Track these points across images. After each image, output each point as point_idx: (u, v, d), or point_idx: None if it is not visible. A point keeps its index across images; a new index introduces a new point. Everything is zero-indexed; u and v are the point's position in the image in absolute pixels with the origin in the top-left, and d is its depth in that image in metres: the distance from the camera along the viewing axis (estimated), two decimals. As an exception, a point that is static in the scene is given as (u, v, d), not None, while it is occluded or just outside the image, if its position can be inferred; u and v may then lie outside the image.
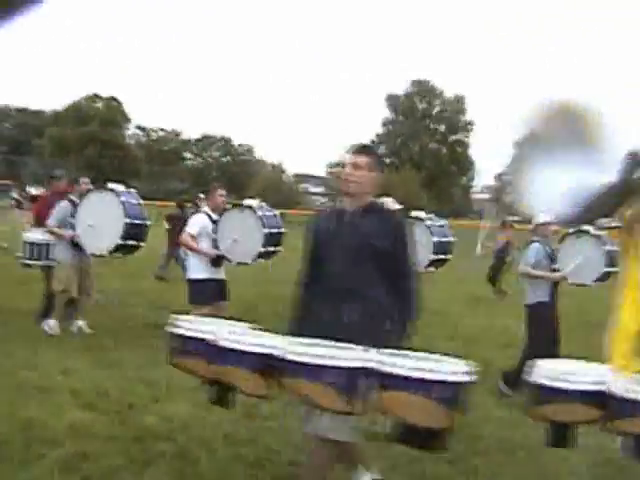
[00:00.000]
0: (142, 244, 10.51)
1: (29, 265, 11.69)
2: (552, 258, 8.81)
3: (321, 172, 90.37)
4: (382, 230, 4.65)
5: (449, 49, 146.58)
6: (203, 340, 4.22)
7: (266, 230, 9.89)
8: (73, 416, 6.51)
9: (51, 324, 10.34)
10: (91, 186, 10.79)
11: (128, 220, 9.85)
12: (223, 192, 9.86)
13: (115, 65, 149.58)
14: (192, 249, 9.57)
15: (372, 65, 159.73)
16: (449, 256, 12.47)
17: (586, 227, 9.90)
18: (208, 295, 9.42)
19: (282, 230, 10.57)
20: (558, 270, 8.88)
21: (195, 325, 4.39)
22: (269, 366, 3.88)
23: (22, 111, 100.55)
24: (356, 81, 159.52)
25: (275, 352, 3.87)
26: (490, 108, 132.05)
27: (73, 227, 10.21)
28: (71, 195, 10.67)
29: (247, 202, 10.31)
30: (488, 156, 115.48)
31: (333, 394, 3.66)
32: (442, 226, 12.37)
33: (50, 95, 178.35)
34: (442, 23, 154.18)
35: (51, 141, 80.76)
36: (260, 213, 9.99)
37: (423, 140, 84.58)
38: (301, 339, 3.91)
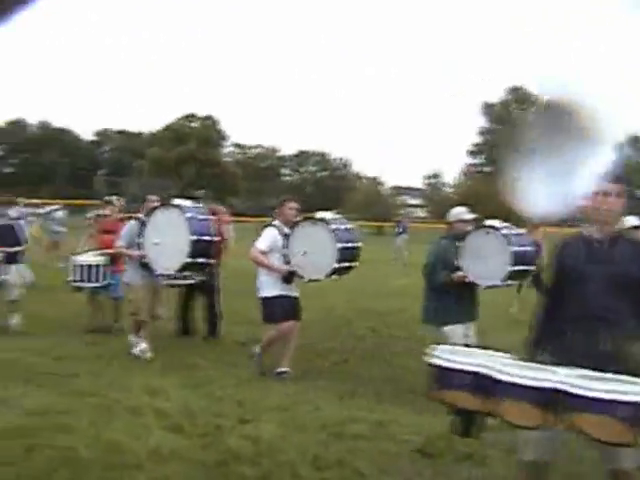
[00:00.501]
0: (211, 261, 9.90)
1: (79, 288, 11.78)
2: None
3: (419, 184, 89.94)
4: (636, 259, 4.60)
5: (541, 52, 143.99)
6: (471, 373, 4.04)
7: (340, 245, 9.02)
8: (157, 439, 6.36)
9: (141, 347, 10.05)
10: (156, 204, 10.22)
11: (194, 237, 9.23)
12: (294, 205, 9.47)
13: (210, 84, 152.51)
14: (262, 265, 9.19)
15: (468, 74, 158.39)
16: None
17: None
18: (280, 313, 9.06)
19: (358, 244, 9.53)
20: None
21: (460, 357, 4.18)
22: (551, 400, 3.74)
23: (121, 133, 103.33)
24: (451, 91, 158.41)
25: (560, 386, 3.73)
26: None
27: (140, 247, 9.79)
28: (139, 214, 10.47)
29: (319, 215, 9.39)
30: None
31: (622, 428, 3.59)
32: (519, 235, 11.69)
33: (147, 117, 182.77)
34: (533, 27, 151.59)
35: (150, 162, 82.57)
36: (333, 226, 9.13)
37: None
38: (583, 372, 3.80)
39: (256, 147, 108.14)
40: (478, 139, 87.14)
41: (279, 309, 9.06)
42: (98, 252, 11.96)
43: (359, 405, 7.82)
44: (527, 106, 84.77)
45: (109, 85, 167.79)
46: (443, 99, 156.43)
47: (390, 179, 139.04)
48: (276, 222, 9.44)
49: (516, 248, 8.38)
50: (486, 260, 8.52)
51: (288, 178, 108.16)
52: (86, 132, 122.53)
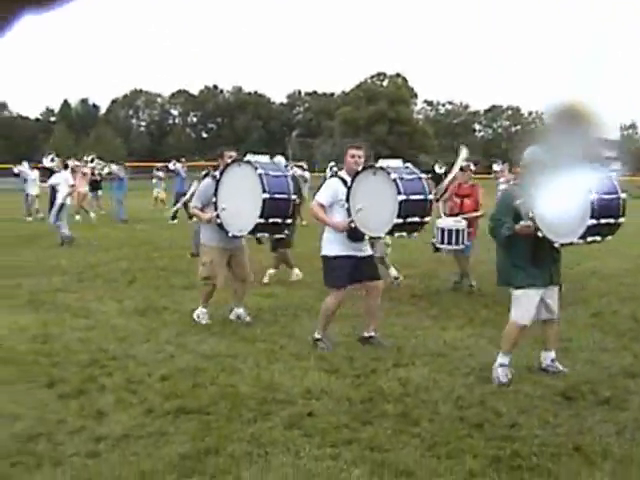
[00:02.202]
0: (289, 221, 8.92)
1: (438, 249, 12.25)
2: None
3: (614, 135, 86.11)
4: None
5: None
6: None
7: (401, 197, 7.71)
8: (313, 379, 6.82)
9: (199, 313, 9.44)
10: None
11: (267, 195, 8.36)
12: (355, 152, 8.30)
13: (399, 42, 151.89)
14: (321, 220, 8.35)
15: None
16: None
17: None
18: (341, 276, 8.17)
19: (428, 197, 8.14)
20: None
21: None
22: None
23: (312, 95, 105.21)
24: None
25: None
26: None
27: (216, 206, 8.92)
28: (214, 171, 9.55)
29: (382, 162, 8.17)
30: None
31: None
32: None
33: (338, 77, 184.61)
34: None
35: (342, 122, 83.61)
36: (395, 175, 7.84)
37: None
38: None
39: (447, 104, 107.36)
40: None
41: (336, 272, 8.17)
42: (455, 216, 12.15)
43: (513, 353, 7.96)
44: None
45: (297, 48, 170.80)
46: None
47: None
48: (341, 172, 8.59)
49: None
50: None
51: (481, 134, 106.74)
52: (278, 95, 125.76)
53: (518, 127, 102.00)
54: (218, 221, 8.82)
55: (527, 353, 7.62)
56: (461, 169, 12.62)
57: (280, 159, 12.31)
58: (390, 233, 8.17)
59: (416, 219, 8.01)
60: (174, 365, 7.28)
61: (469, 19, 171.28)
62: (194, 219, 11.12)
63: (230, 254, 9.38)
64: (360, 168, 8.11)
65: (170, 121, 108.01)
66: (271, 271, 12.68)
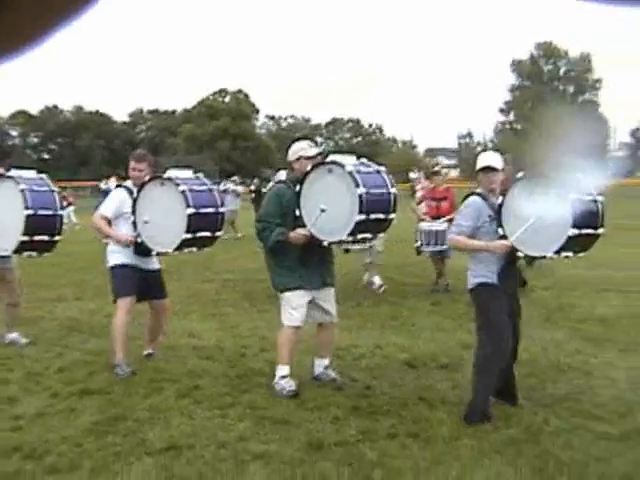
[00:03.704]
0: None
1: (420, 252, 12.93)
2: None
3: (453, 144, 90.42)
4: None
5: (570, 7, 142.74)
6: None
7: (190, 210, 7.26)
8: (193, 363, 7.89)
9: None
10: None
11: (31, 212, 7.90)
12: (135, 165, 7.94)
13: (239, 58, 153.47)
14: (104, 233, 7.99)
15: (495, 32, 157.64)
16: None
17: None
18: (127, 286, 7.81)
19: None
20: None
21: None
22: None
23: (154, 112, 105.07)
24: (480, 49, 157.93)
25: None
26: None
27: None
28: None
29: (169, 173, 7.58)
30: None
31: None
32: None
33: (179, 94, 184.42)
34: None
35: (185, 139, 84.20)
36: (184, 187, 7.37)
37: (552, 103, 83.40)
38: None
39: (289, 117, 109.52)
40: (508, 96, 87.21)
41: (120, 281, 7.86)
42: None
43: (366, 335, 9.23)
44: (555, 60, 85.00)
45: (137, 66, 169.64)
46: (472, 57, 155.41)
47: (423, 141, 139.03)
48: (127, 182, 8.20)
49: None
50: None
51: (323, 147, 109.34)
52: (120, 114, 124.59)
53: (359, 138, 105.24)
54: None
55: (377, 335, 8.92)
56: (435, 173, 13.50)
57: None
58: (177, 249, 7.49)
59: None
60: (66, 360, 8.13)
61: (310, 31, 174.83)
62: None
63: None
64: (147, 179, 7.64)
65: (9, 142, 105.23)
66: None
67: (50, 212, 8.21)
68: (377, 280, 12.94)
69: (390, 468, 4.91)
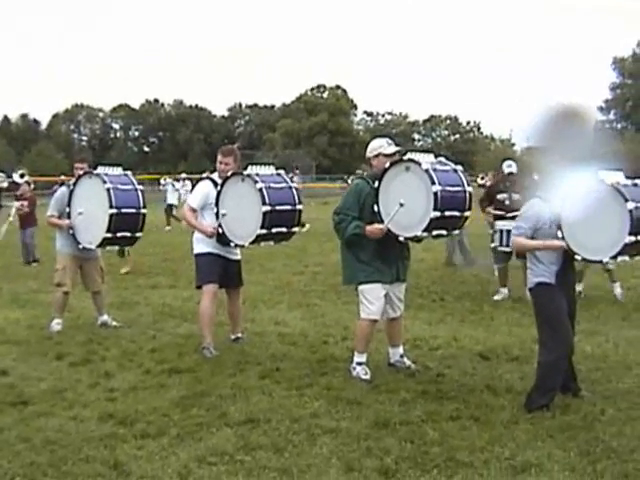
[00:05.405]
0: (138, 235, 9.18)
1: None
2: None
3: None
4: None
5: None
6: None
7: (266, 208, 7.62)
8: (276, 348, 8.41)
9: (54, 324, 9.53)
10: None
11: (115, 210, 8.63)
12: (221, 159, 8.33)
13: (338, 54, 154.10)
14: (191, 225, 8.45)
15: (597, 29, 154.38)
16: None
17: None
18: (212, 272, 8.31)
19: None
20: None
21: None
22: None
23: (252, 107, 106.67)
24: (580, 46, 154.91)
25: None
26: None
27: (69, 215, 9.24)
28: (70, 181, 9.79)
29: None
30: None
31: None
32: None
33: (278, 90, 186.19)
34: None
35: (283, 134, 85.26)
36: (261, 185, 7.69)
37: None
38: None
39: (387, 114, 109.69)
40: (609, 95, 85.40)
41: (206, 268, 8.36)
42: None
43: (445, 327, 9.55)
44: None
45: (237, 61, 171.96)
46: (572, 54, 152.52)
47: (521, 139, 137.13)
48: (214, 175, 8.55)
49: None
50: None
51: (420, 143, 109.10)
52: (219, 108, 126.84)
53: (457, 136, 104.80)
54: (70, 232, 9.19)
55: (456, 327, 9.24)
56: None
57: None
58: (253, 243, 7.96)
59: (283, 229, 7.99)
60: (158, 342, 8.72)
61: (409, 30, 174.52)
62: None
63: (81, 263, 9.63)
64: (230, 174, 8.02)
65: (112, 135, 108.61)
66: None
67: (133, 210, 8.89)
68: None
69: (448, 446, 5.26)
